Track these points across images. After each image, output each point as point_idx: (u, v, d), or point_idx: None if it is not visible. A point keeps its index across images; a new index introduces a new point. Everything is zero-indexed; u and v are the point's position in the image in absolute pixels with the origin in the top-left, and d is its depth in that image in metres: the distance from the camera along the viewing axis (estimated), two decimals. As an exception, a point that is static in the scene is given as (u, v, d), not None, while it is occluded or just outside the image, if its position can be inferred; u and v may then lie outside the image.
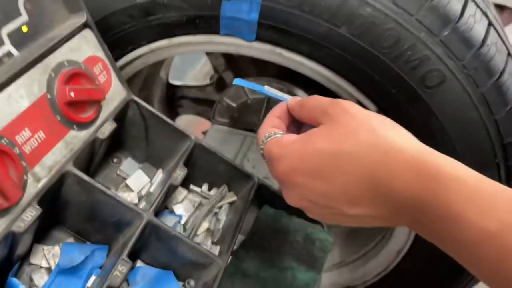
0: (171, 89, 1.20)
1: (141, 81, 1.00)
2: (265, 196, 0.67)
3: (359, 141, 0.34)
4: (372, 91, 0.61)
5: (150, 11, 0.62)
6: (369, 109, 0.62)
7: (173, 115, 1.22)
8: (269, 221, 0.66)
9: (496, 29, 0.58)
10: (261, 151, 0.43)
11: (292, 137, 0.40)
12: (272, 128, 0.43)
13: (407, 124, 0.62)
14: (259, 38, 0.61)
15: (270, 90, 0.47)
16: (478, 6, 0.57)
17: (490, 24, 0.57)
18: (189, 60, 1.64)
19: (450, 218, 0.30)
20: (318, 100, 0.40)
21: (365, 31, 0.55)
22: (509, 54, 0.59)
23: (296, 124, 0.46)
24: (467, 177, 0.31)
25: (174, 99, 1.21)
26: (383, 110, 0.62)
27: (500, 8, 2.05)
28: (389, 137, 0.34)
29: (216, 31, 0.63)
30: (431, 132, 0.60)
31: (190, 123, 1.32)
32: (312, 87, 0.88)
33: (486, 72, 0.57)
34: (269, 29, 0.59)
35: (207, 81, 1.20)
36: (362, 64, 0.58)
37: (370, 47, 0.56)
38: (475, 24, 0.55)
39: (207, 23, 0.62)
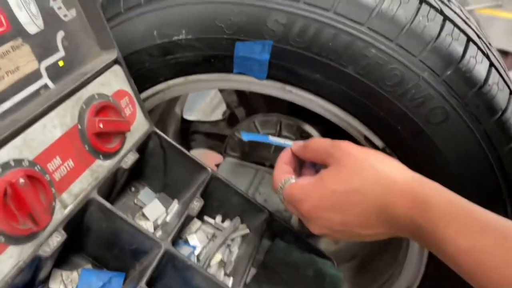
0: (185, 123, 1.24)
1: (158, 116, 1.04)
2: (277, 230, 0.69)
3: (363, 179, 0.44)
4: (378, 127, 0.63)
5: (169, 51, 0.66)
6: (375, 144, 0.65)
7: (186, 149, 1.25)
8: (280, 254, 0.67)
9: (497, 70, 0.60)
10: (281, 196, 0.51)
11: (306, 180, 0.49)
12: (284, 174, 0.52)
13: (412, 159, 0.64)
14: (270, 77, 0.64)
15: (274, 139, 0.54)
16: (479, 48, 0.59)
17: (491, 65, 0.59)
18: (199, 95, 1.72)
19: (436, 236, 0.40)
20: (319, 142, 0.50)
21: (370, 70, 0.58)
22: (511, 93, 0.61)
23: (300, 163, 0.56)
24: (447, 203, 0.41)
25: (187, 134, 1.25)
26: (389, 145, 0.64)
27: (504, 54, 2.10)
28: (386, 171, 0.44)
29: (229, 70, 0.66)
30: (435, 167, 0.62)
31: (200, 157, 1.35)
32: (321, 123, 0.90)
33: (488, 110, 0.58)
34: (280, 68, 0.62)
35: (218, 116, 1.23)
36: (368, 101, 0.60)
37: (375, 85, 0.58)
38: (477, 64, 0.58)
39: (221, 62, 0.65)
